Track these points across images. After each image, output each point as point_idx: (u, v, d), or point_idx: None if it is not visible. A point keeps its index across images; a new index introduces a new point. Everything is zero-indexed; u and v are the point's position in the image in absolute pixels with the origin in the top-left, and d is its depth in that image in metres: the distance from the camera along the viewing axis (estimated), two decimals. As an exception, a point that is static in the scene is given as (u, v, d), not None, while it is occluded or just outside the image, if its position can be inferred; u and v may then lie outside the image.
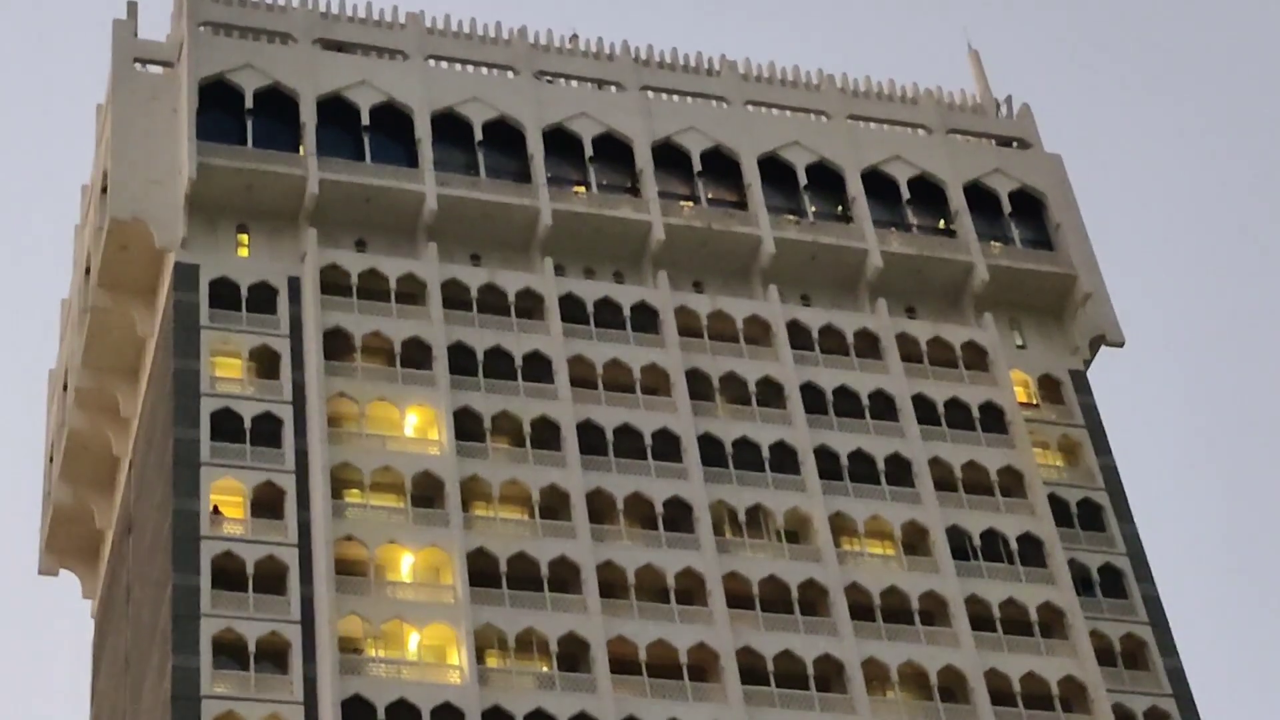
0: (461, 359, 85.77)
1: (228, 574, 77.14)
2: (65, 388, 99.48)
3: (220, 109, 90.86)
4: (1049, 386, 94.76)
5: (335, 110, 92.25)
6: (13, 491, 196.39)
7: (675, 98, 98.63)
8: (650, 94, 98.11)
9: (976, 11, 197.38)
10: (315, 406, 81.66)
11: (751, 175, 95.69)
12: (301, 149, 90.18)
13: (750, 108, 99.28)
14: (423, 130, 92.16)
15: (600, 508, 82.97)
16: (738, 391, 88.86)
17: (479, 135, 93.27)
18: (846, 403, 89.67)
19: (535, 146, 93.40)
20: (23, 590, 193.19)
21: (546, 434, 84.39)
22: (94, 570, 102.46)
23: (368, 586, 77.75)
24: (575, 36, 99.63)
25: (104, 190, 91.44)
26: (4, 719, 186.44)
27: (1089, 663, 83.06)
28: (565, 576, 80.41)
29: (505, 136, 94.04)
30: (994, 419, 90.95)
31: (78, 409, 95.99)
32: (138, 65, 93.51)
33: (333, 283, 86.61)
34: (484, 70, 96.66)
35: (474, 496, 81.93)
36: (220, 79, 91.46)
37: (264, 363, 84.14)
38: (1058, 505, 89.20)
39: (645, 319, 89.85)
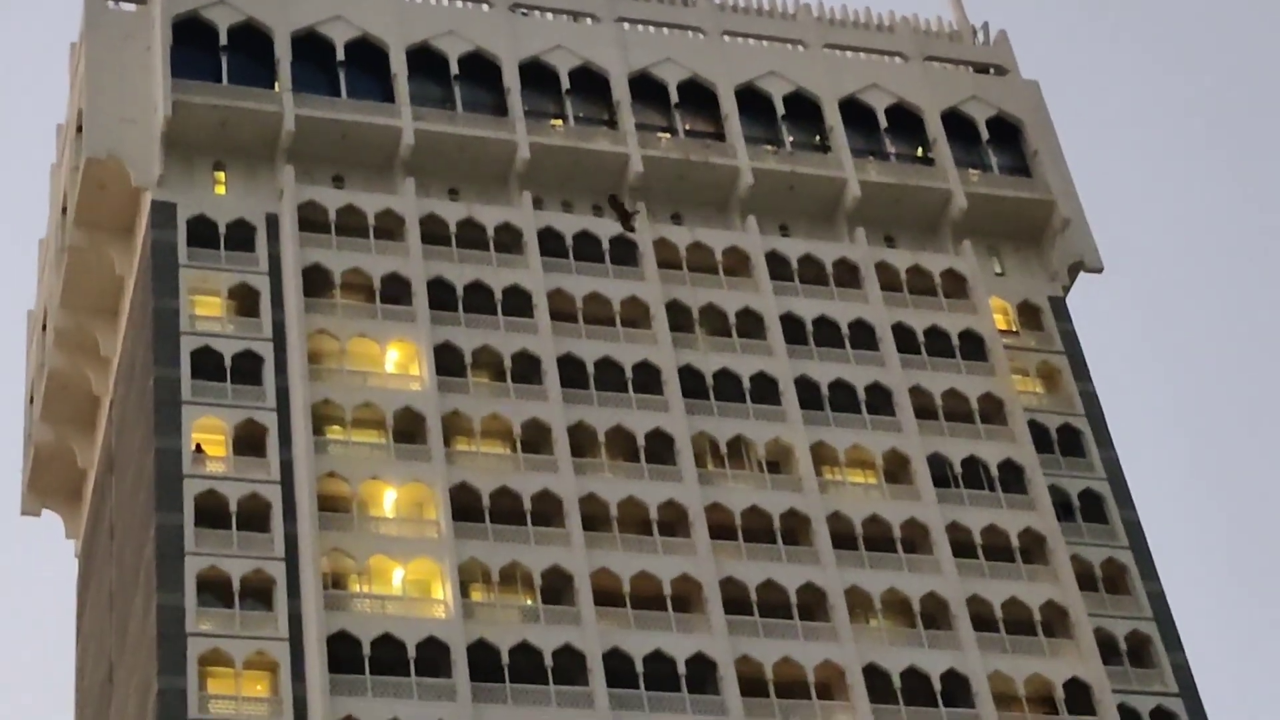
0: (441, 294, 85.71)
1: (211, 512, 77.25)
2: (44, 328, 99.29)
3: (194, 46, 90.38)
4: (1028, 313, 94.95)
5: (310, 46, 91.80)
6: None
7: (651, 29, 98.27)
8: (626, 25, 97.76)
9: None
10: (295, 344, 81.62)
11: (729, 106, 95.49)
12: (277, 85, 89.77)
13: (727, 38, 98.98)
14: (398, 65, 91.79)
15: (582, 441, 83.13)
16: (718, 323, 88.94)
17: (455, 69, 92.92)
18: (826, 332, 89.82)
19: (511, 80, 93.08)
20: (5, 531, 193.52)
21: (527, 368, 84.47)
22: (77, 510, 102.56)
23: (351, 522, 77.93)
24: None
25: (79, 129, 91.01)
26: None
27: (1070, 588, 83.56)
28: (548, 510, 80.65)
29: (481, 70, 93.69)
30: (974, 346, 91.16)
31: (57, 349, 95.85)
32: (110, 3, 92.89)
33: (311, 219, 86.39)
34: (459, 3, 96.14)
35: (456, 431, 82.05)
36: (194, 16, 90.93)
37: (243, 300, 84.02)
38: (1038, 431, 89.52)
39: (624, 252, 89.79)
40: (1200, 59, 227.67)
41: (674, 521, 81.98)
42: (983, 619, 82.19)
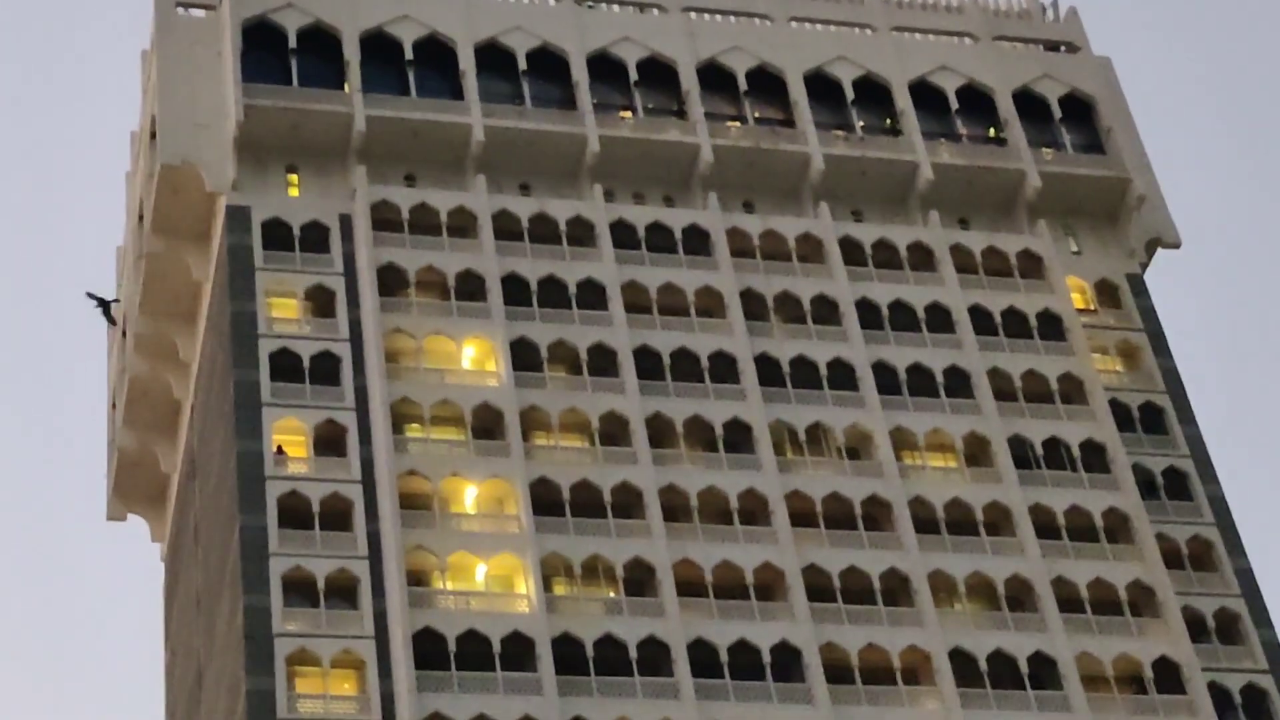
0: (515, 289, 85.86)
1: (294, 513, 77.67)
2: (124, 334, 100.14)
3: (264, 50, 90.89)
4: (1106, 291, 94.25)
5: (379, 46, 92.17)
6: (79, 439, 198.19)
7: (718, 17, 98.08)
8: (693, 15, 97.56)
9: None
10: (372, 343, 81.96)
11: (798, 92, 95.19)
12: (346, 86, 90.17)
13: (794, 24, 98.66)
14: (466, 62, 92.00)
15: (660, 432, 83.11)
16: (792, 310, 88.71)
17: (523, 65, 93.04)
18: (902, 317, 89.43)
19: (580, 73, 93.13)
20: (93, 536, 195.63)
21: (603, 361, 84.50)
22: (161, 514, 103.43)
23: (432, 520, 78.19)
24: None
25: (153, 136, 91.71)
26: (79, 664, 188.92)
27: (1156, 566, 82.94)
28: (628, 502, 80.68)
29: (549, 65, 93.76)
30: (1052, 327, 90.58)
31: (137, 355, 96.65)
32: (180, 9, 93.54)
33: (384, 219, 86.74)
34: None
35: (534, 426, 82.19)
36: (262, 20, 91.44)
37: (319, 301, 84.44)
38: (1119, 410, 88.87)
39: (697, 242, 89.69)
40: (1273, 30, 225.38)
41: (754, 510, 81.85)
42: (1068, 600, 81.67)
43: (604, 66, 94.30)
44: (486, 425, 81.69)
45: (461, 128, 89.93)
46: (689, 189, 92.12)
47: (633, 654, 76.06)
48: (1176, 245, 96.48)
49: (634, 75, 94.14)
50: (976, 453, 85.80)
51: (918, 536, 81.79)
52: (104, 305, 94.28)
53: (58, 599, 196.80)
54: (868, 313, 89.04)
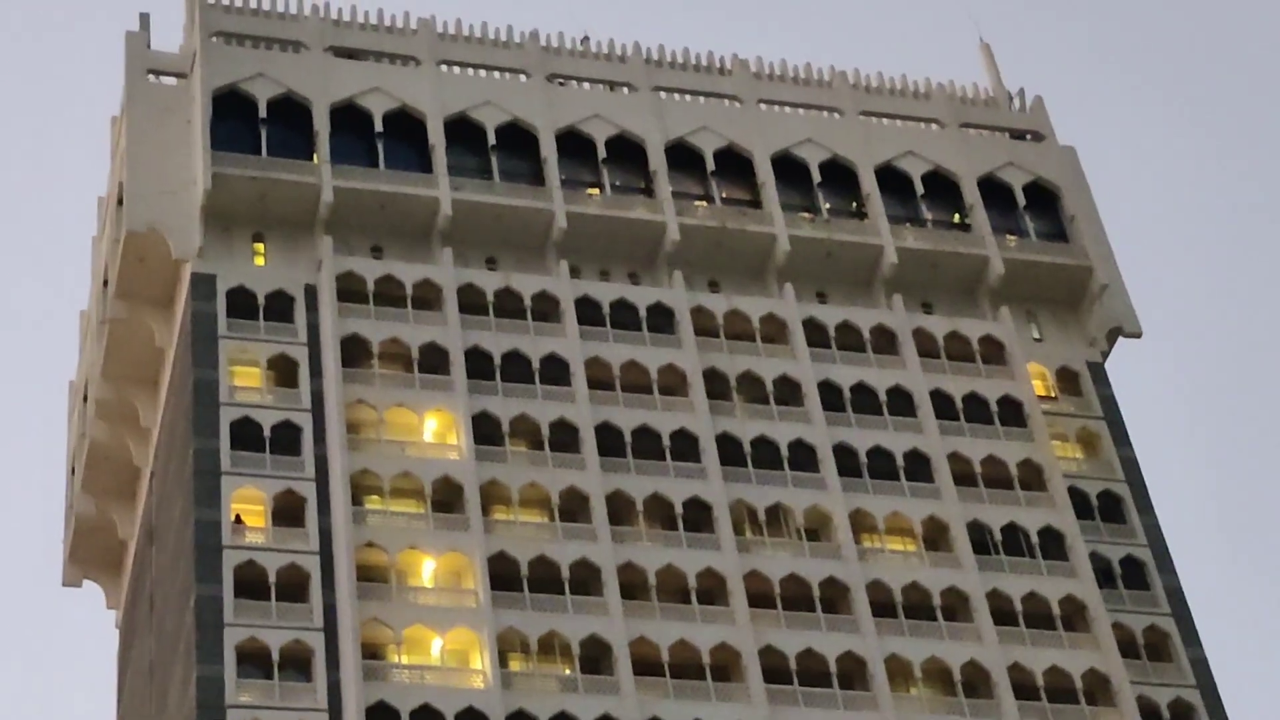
0: (479, 363, 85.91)
1: (250, 583, 77.32)
2: (85, 399, 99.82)
3: (234, 118, 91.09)
4: (1067, 379, 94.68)
5: (348, 117, 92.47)
6: (36, 504, 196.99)
7: (687, 97, 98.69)
8: (662, 94, 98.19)
9: (987, 5, 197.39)
10: (334, 414, 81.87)
11: (765, 173, 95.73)
12: (315, 157, 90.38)
13: (762, 106, 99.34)
14: (436, 135, 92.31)
15: (620, 509, 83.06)
16: (755, 390, 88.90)
17: (492, 139, 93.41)
18: (864, 399, 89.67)
19: (549, 149, 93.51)
20: (47, 602, 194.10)
21: (565, 436, 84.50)
22: (117, 581, 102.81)
23: (389, 592, 77.92)
24: (586, 39, 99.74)
25: (120, 202, 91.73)
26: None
27: (1112, 655, 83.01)
28: (586, 578, 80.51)
29: (518, 140, 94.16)
30: (1012, 412, 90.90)
31: (98, 420, 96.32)
32: (151, 77, 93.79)
33: (349, 290, 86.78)
34: (496, 74, 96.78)
35: (494, 500, 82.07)
36: (233, 89, 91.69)
37: (282, 371, 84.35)
38: (1078, 498, 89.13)
39: (661, 319, 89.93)
40: (1238, 124, 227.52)
41: (713, 590, 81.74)
42: (1025, 687, 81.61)
43: (573, 143, 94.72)
44: (446, 498, 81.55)
45: (429, 200, 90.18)
46: (655, 267, 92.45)
47: (587, 732, 75.74)
48: (1138, 334, 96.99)
49: (602, 153, 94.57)
50: (935, 537, 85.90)
51: (875, 620, 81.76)
52: None
53: (11, 663, 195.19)
54: (830, 394, 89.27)
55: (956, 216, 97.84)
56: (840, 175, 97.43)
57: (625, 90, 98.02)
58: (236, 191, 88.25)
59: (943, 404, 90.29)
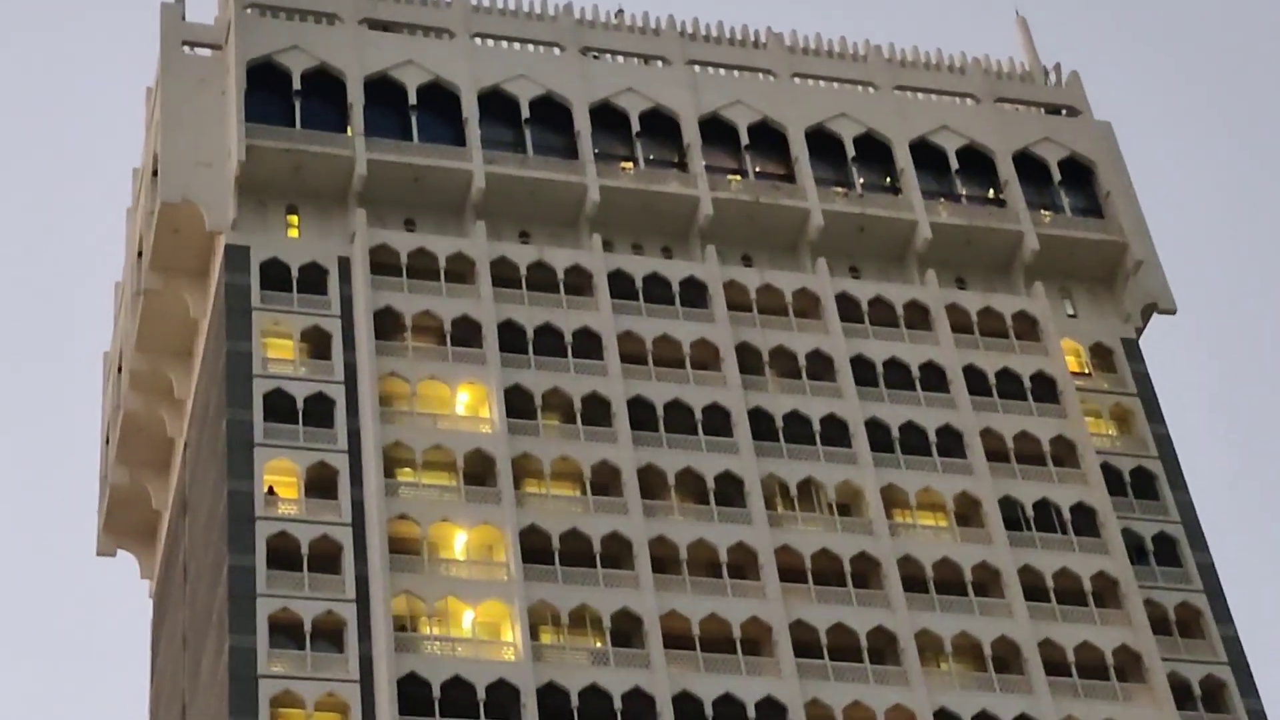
0: (511, 337, 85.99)
1: (283, 554, 77.64)
2: (120, 370, 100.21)
3: (268, 90, 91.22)
4: (1101, 355, 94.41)
5: (382, 90, 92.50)
6: (70, 475, 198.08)
7: (721, 71, 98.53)
8: (696, 68, 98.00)
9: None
10: (367, 386, 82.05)
11: (799, 148, 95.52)
12: (349, 129, 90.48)
13: (797, 80, 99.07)
14: (469, 109, 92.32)
15: (651, 483, 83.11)
16: (788, 365, 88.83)
17: (526, 113, 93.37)
18: (897, 374, 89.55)
19: (582, 123, 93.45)
20: (82, 572, 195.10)
21: (597, 410, 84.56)
22: (151, 551, 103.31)
23: (421, 565, 78.16)
24: (621, 12, 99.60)
25: (154, 173, 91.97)
26: (66, 698, 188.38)
27: (1143, 632, 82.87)
28: (617, 552, 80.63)
29: (552, 113, 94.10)
30: (1045, 389, 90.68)
31: (132, 391, 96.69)
32: (186, 48, 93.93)
33: (382, 263, 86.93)
34: (530, 47, 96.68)
35: (525, 474, 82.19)
36: (268, 61, 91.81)
37: (315, 343, 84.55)
38: (1110, 474, 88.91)
39: (694, 294, 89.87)
40: (1275, 100, 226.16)
41: (744, 564, 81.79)
42: (1055, 664, 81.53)
43: (607, 117, 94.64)
44: (478, 472, 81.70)
45: (462, 174, 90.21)
46: (688, 241, 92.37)
47: (617, 705, 75.93)
48: (1172, 311, 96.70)
49: (636, 126, 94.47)
50: (967, 513, 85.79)
51: (906, 595, 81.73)
52: None
53: (46, 633, 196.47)
54: (862, 369, 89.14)
55: (991, 192, 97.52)
56: (874, 150, 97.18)
57: (659, 64, 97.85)
58: (270, 164, 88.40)
59: (975, 380, 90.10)
